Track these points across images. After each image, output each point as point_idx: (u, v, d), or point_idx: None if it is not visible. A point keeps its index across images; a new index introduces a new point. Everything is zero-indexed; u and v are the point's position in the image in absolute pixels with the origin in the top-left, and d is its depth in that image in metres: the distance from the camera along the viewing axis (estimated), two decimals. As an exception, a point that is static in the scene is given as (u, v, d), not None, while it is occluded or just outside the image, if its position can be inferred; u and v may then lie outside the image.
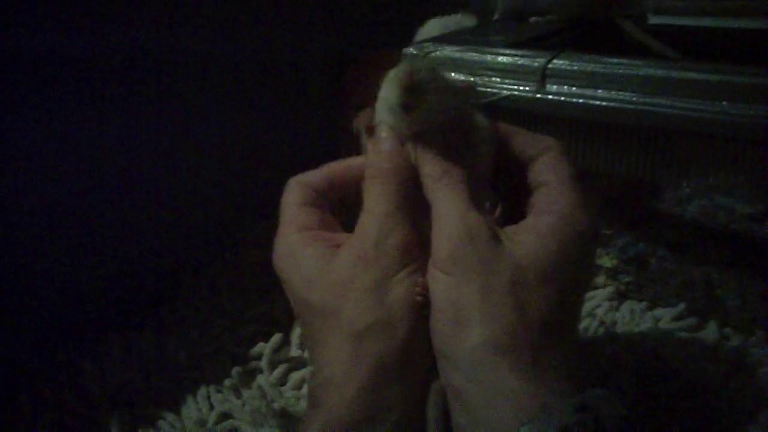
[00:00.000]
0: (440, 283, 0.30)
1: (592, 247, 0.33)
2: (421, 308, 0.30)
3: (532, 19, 0.71)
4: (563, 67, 0.45)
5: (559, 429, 0.25)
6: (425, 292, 0.30)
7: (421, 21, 0.72)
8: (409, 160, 0.33)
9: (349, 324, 0.30)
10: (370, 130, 0.35)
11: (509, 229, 0.31)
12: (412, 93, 0.31)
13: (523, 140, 0.34)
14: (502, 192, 0.37)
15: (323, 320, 0.31)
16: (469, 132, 0.33)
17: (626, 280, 0.54)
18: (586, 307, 0.52)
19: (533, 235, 0.30)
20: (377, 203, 0.32)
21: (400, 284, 0.30)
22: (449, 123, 0.33)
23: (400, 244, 0.31)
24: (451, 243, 0.30)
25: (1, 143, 0.45)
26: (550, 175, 0.32)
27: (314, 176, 0.36)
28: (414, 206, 0.32)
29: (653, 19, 0.69)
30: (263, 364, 0.48)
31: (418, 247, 0.32)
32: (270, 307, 0.55)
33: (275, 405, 0.44)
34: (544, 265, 0.29)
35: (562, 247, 0.30)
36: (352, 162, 0.36)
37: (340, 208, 0.36)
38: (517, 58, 0.47)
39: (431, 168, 0.32)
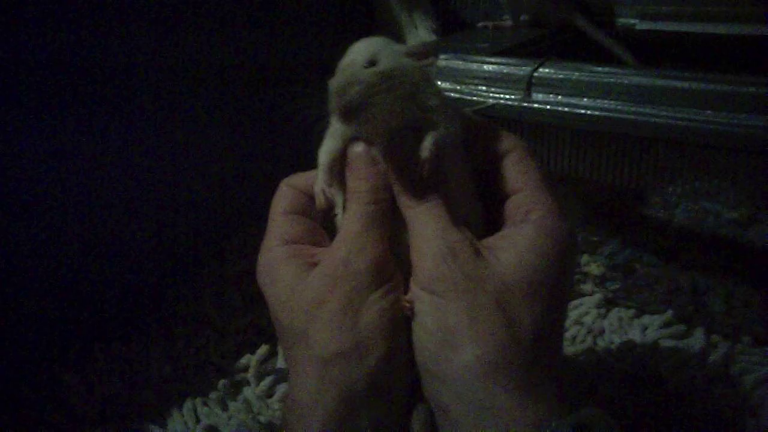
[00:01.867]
0: (424, 303, 0.29)
1: (573, 254, 0.32)
2: (398, 329, 0.29)
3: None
4: (549, 75, 0.45)
5: None
6: (412, 306, 0.29)
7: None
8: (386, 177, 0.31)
9: (317, 349, 0.29)
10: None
11: (488, 242, 0.30)
12: (351, 100, 0.28)
13: (485, 139, 0.32)
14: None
15: (293, 342, 0.30)
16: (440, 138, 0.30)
17: (614, 287, 0.54)
18: (574, 314, 0.52)
19: (514, 249, 0.29)
20: (350, 221, 0.31)
21: (372, 306, 0.29)
22: (410, 126, 0.30)
23: (371, 264, 0.30)
24: (433, 261, 0.29)
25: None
26: (521, 181, 0.31)
27: (308, 178, 0.33)
28: (392, 224, 0.31)
29: (641, 25, 0.70)
30: (250, 376, 0.48)
31: (393, 266, 0.31)
32: (256, 317, 0.54)
33: (261, 418, 0.43)
34: (530, 279, 0.28)
35: (545, 260, 0.29)
36: None
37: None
38: (503, 67, 0.47)
39: (404, 186, 0.30)
